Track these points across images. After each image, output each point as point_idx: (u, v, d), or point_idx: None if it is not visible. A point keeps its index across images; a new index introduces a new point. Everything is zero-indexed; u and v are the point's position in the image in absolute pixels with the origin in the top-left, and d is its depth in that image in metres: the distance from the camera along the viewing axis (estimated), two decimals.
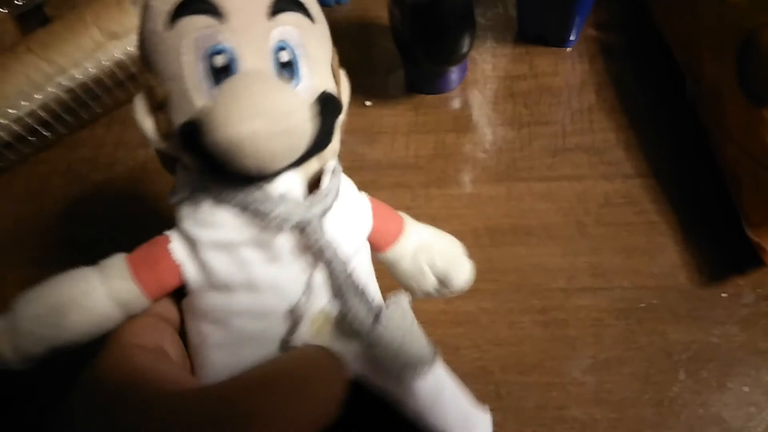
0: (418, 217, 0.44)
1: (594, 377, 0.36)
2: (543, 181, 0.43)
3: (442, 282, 0.28)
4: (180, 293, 0.24)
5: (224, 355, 0.23)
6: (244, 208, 0.22)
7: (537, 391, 0.36)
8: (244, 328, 0.23)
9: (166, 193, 0.49)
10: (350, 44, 0.52)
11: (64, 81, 0.46)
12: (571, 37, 0.48)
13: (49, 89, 0.45)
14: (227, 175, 0.21)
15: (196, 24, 0.20)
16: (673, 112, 0.44)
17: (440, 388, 0.26)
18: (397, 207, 0.45)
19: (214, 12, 0.20)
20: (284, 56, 0.21)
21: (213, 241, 0.22)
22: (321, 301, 0.24)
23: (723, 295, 0.38)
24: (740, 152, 0.36)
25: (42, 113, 0.46)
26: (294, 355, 0.22)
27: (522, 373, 0.37)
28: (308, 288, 0.23)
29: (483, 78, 0.48)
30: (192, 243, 0.23)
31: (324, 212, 0.23)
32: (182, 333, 0.25)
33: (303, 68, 0.22)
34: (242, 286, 0.23)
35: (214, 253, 0.22)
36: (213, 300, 0.23)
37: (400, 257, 0.28)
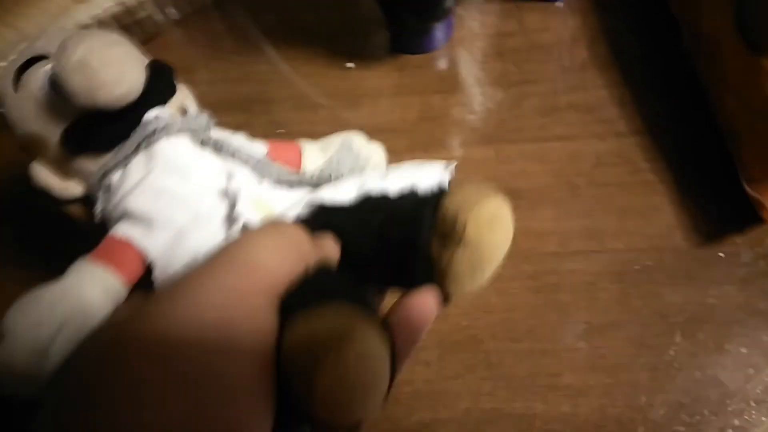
0: None
1: (588, 343, 0.35)
2: (534, 142, 0.41)
3: (359, 164, 0.31)
4: None
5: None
6: (137, 149, 0.26)
7: (529, 358, 0.35)
8: (203, 244, 0.25)
9: None
10: (330, 4, 0.50)
11: None
12: None
13: (12, 57, 0.43)
14: (109, 132, 0.26)
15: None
16: (668, 66, 0.43)
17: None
18: None
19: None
20: None
21: (134, 192, 0.26)
22: (251, 185, 0.27)
23: (720, 254, 0.36)
24: (739, 104, 0.35)
25: None
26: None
27: (513, 340, 0.36)
28: (228, 174, 0.26)
29: (470, 36, 0.46)
30: (124, 213, 0.26)
31: (206, 127, 0.28)
32: None
33: None
34: (181, 211, 0.25)
35: (141, 200, 0.26)
36: (168, 241, 0.25)
37: (314, 165, 0.30)
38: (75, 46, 0.24)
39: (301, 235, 0.22)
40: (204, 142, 0.27)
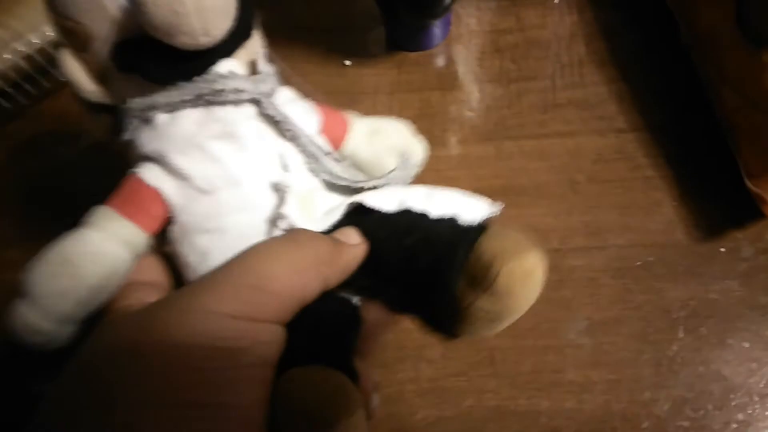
0: None
1: (591, 339, 0.35)
2: (533, 138, 0.41)
3: (402, 156, 0.29)
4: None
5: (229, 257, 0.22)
6: (199, 99, 0.23)
7: (532, 355, 0.35)
8: (237, 224, 0.23)
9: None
10: (325, 1, 0.49)
11: (21, 47, 0.43)
12: None
13: (5, 56, 0.42)
14: (168, 68, 0.23)
15: None
16: (665, 62, 0.43)
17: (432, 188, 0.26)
18: None
19: None
20: None
21: (181, 147, 0.23)
22: (302, 178, 0.25)
23: (721, 249, 0.37)
24: (739, 99, 0.35)
25: (0, 82, 0.43)
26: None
27: (516, 337, 0.36)
28: (283, 164, 0.24)
29: (468, 33, 0.46)
30: (160, 161, 0.24)
31: (272, 91, 0.25)
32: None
33: None
34: (223, 182, 0.23)
35: (186, 158, 0.23)
36: (201, 207, 0.24)
37: (356, 147, 0.29)
38: None
39: (322, 248, 0.21)
40: (268, 118, 0.24)
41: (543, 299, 0.36)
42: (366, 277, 0.23)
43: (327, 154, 0.26)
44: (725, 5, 0.35)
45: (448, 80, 0.44)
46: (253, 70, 0.25)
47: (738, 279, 0.36)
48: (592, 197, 0.39)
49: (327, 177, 0.26)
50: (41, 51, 0.43)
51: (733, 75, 0.35)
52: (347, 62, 0.46)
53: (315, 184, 0.26)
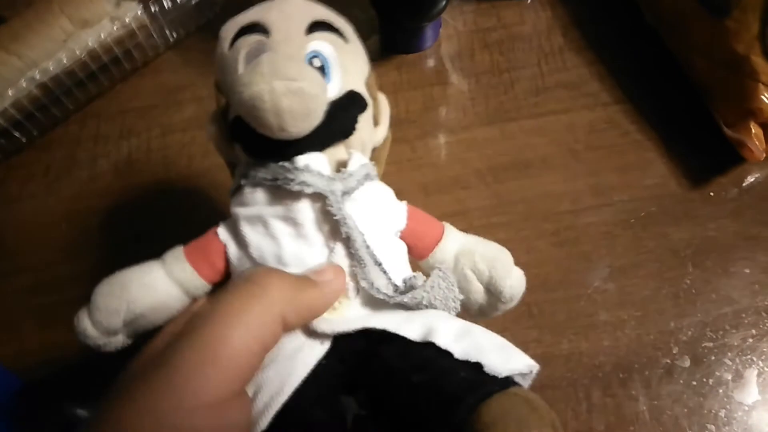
0: (422, 167, 0.46)
1: (614, 283, 0.39)
2: (532, 118, 0.46)
3: (488, 287, 0.28)
4: None
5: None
6: (273, 182, 0.25)
7: (565, 304, 0.39)
8: None
9: (156, 180, 0.49)
10: None
11: (37, 75, 0.44)
12: None
13: (23, 84, 0.43)
14: (260, 149, 0.26)
15: (248, 41, 0.26)
16: (633, 43, 0.48)
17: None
18: (399, 161, 0.46)
19: (262, 31, 0.26)
20: (316, 62, 0.26)
21: (248, 216, 0.26)
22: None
23: (710, 194, 0.42)
24: (709, 64, 0.40)
25: (13, 112, 0.44)
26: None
27: (549, 290, 0.39)
28: (329, 261, 0.25)
29: (456, 34, 0.50)
30: (234, 222, 0.27)
31: (346, 191, 0.25)
32: None
33: (333, 73, 0.26)
34: (272, 259, 0.26)
35: (250, 227, 0.26)
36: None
37: (440, 262, 0.28)
38: (270, 75, 0.23)
39: (285, 290, 0.22)
40: (328, 214, 0.25)
41: (565, 254, 0.40)
42: (369, 395, 0.25)
43: (378, 264, 0.25)
44: None
45: (446, 76, 0.48)
46: (338, 168, 0.26)
47: (729, 217, 0.41)
48: (592, 163, 0.43)
49: (366, 285, 0.25)
50: (54, 78, 0.45)
51: (700, 43, 0.41)
52: None
53: (351, 288, 0.26)
